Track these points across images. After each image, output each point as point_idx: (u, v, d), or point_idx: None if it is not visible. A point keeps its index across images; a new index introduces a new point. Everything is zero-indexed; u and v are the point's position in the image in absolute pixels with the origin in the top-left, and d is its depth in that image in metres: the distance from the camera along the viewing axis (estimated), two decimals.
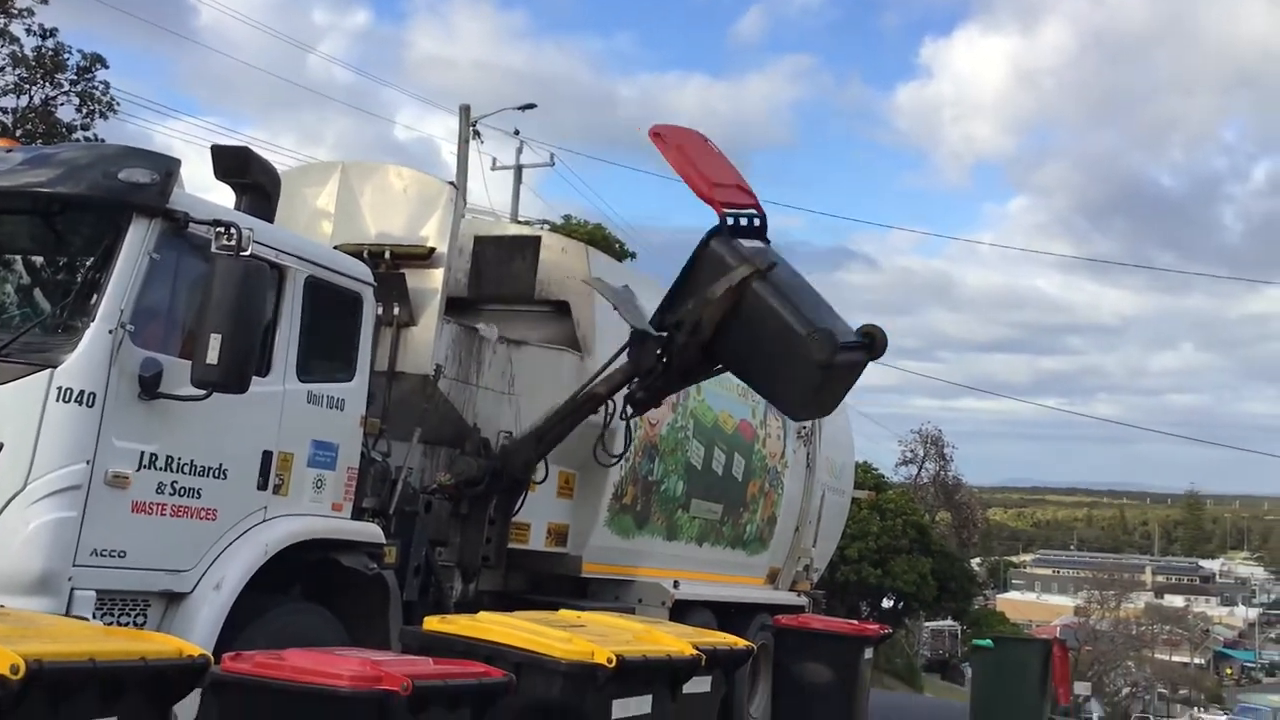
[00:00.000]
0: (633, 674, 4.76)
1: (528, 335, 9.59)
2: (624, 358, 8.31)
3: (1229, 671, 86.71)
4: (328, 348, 7.15)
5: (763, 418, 12.32)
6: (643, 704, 4.93)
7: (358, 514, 7.35)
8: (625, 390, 8.38)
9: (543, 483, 9.02)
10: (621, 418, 8.66)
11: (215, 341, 5.73)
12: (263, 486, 6.54)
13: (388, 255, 8.55)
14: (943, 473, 52.64)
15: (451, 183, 9.58)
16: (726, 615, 11.01)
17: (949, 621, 52.29)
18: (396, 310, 8.41)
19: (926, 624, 51.59)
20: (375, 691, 3.71)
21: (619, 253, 25.45)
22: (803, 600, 12.95)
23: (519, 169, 29.13)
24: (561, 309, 9.87)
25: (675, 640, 5.32)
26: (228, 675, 3.80)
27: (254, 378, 6.20)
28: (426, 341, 8.41)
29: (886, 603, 40.53)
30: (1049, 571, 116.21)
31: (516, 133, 28.40)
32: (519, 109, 27.75)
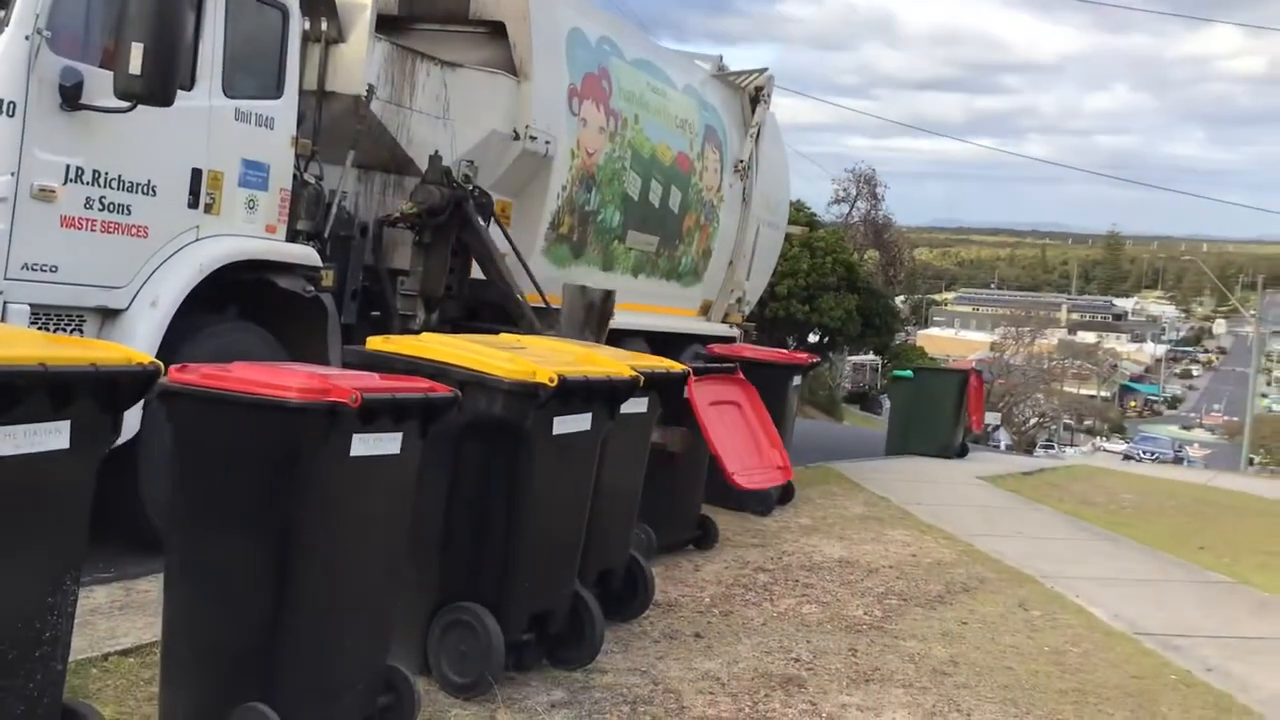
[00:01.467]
0: (573, 393, 4.84)
1: (463, 58, 9.28)
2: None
3: (1133, 404, 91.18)
4: (254, 63, 6.88)
5: (700, 150, 12.21)
6: (582, 422, 5.00)
7: (292, 237, 7.27)
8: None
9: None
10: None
11: (137, 51, 5.48)
12: (193, 205, 6.42)
13: None
14: (873, 212, 52.91)
15: None
16: (660, 345, 11.19)
17: (870, 356, 53.76)
18: (325, 26, 8.06)
19: (849, 358, 53.13)
20: (325, 403, 3.69)
21: None
22: (734, 331, 13.18)
23: None
24: (498, 30, 9.54)
25: (614, 362, 5.41)
26: (175, 386, 3.78)
27: (179, 92, 5.99)
28: (357, 60, 8.09)
29: (812, 338, 41.30)
30: (969, 309, 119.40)
31: None
32: None
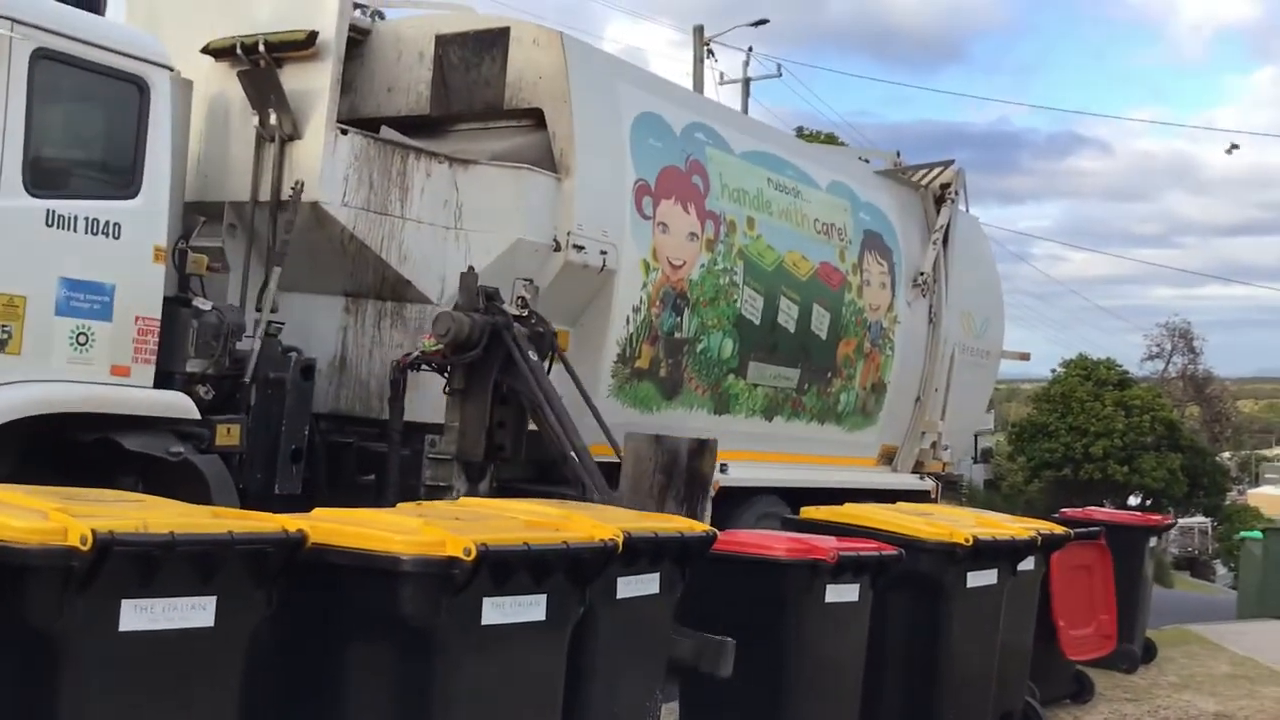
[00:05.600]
0: (983, 552, 5.60)
1: (491, 152, 7.36)
2: None
3: None
4: (87, 151, 5.28)
5: (856, 259, 9.72)
6: (989, 577, 5.75)
7: (171, 381, 5.39)
8: None
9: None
10: None
11: None
12: None
13: (261, 47, 6.50)
14: (1192, 366, 50.15)
15: None
16: (812, 503, 8.59)
17: (1199, 518, 49.44)
18: (275, 119, 6.37)
19: (1176, 521, 48.45)
20: (808, 559, 4.73)
21: None
22: (927, 484, 10.34)
23: (746, 82, 28.43)
24: (540, 120, 7.59)
25: (1012, 525, 6.30)
26: None
27: None
28: (312, 156, 6.35)
29: (1133, 500, 38.33)
30: None
31: (749, 50, 28.03)
32: (751, 24, 27.81)
